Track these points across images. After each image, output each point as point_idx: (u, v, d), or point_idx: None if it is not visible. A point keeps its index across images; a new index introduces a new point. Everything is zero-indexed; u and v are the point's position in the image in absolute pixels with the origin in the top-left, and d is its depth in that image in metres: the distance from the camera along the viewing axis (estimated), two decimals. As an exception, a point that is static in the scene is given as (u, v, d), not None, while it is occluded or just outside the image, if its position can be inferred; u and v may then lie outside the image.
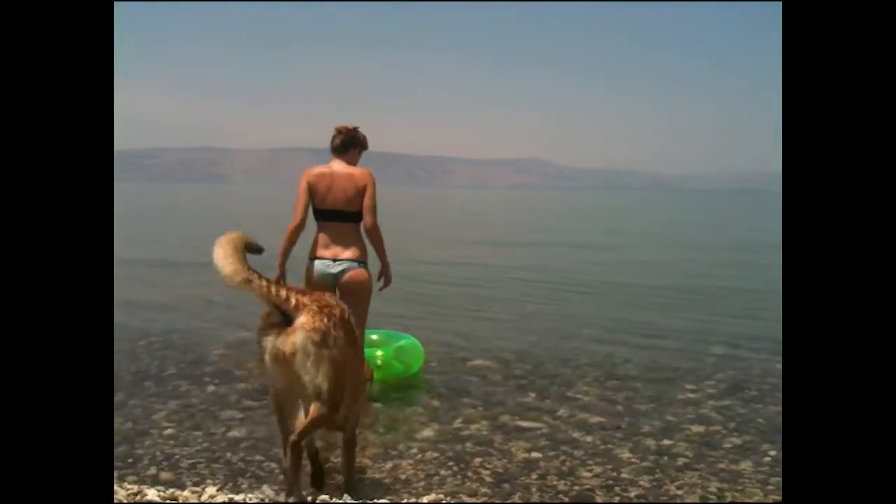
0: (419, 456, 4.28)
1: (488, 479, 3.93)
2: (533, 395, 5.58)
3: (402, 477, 3.96)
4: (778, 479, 3.94)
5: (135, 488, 3.59)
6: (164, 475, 3.87)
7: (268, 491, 3.56)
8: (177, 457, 4.15)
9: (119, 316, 5.89)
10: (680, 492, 3.77)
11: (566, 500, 3.55)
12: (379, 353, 5.64)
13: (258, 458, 4.14)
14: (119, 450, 4.13)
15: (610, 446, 4.46)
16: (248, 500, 3.50)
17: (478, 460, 4.20)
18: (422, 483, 3.82)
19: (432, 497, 3.65)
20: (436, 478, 3.92)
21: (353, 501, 3.49)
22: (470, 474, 3.99)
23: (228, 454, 4.20)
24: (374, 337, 5.82)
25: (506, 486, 3.81)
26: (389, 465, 4.14)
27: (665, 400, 5.46)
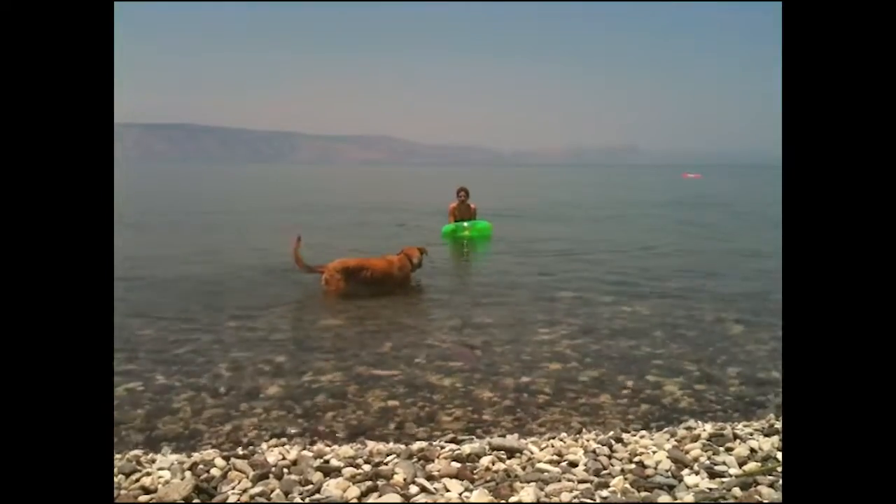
0: (263, 415, 3.83)
1: (342, 431, 3.58)
2: (389, 345, 5.29)
3: (244, 438, 3.51)
4: (636, 409, 3.95)
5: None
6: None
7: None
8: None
9: None
10: (542, 429, 3.65)
11: (424, 444, 3.27)
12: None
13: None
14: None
15: (470, 388, 4.27)
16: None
17: (330, 414, 3.83)
18: (265, 443, 3.39)
19: (273, 442, 3.26)
20: (283, 437, 3.50)
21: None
22: (322, 428, 3.61)
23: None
24: (465, 224, 12.46)
25: (361, 437, 3.48)
26: (228, 427, 3.67)
27: (522, 342, 5.39)
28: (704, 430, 3.35)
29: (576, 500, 2.53)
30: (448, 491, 2.60)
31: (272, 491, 2.60)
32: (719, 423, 3.53)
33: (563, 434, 3.43)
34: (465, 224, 12.32)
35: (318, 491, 2.60)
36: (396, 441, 3.35)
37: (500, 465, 2.87)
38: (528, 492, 2.55)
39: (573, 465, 2.91)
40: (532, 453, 3.04)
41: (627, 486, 2.66)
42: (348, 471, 2.77)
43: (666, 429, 3.49)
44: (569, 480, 2.71)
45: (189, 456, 3.06)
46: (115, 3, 2.21)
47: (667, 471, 2.83)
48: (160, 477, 2.75)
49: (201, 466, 2.86)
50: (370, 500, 2.52)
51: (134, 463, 2.93)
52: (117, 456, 3.03)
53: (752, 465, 2.87)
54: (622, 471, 2.83)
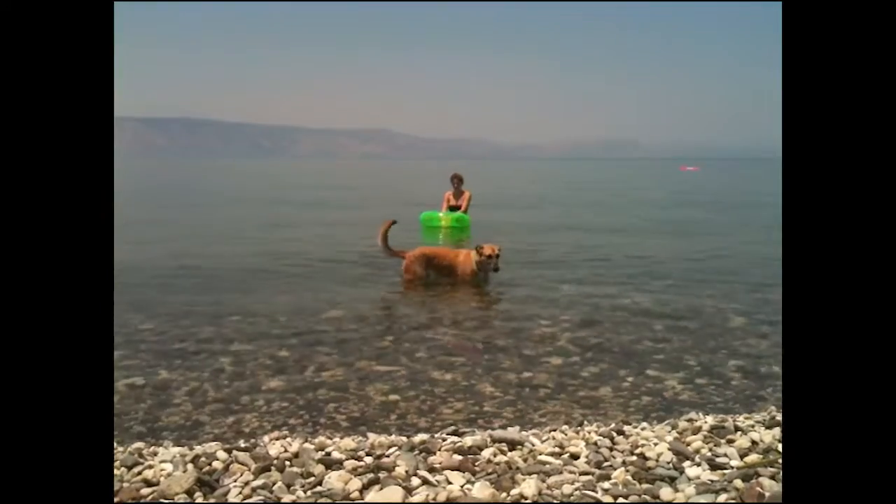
0: (265, 408, 3.84)
1: (344, 423, 3.58)
2: (390, 339, 5.29)
3: (246, 430, 3.51)
4: (637, 402, 3.95)
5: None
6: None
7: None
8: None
9: None
10: (544, 420, 3.65)
11: (426, 436, 3.28)
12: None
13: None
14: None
15: (472, 382, 4.27)
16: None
17: (332, 406, 3.84)
18: (267, 435, 3.39)
19: (275, 434, 3.26)
20: (284, 428, 3.51)
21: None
22: (323, 420, 3.62)
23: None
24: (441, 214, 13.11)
25: (363, 428, 3.48)
26: (230, 419, 3.67)
27: (523, 335, 5.39)
28: (706, 422, 3.35)
29: (577, 492, 2.53)
30: (450, 483, 2.60)
31: (274, 483, 2.60)
32: (720, 415, 3.53)
33: (565, 426, 3.43)
34: (441, 214, 12.74)
35: (319, 483, 2.60)
36: (398, 433, 3.36)
37: (501, 458, 2.87)
38: (529, 484, 2.55)
39: (575, 457, 2.91)
40: (533, 445, 3.04)
41: (629, 477, 2.66)
42: (350, 463, 2.78)
43: (667, 421, 3.49)
44: (570, 472, 2.71)
45: (191, 449, 3.06)
46: (115, 3, 2.21)
47: (668, 463, 2.83)
48: (162, 470, 2.76)
49: (203, 459, 2.86)
50: (372, 493, 2.53)
51: (136, 456, 2.93)
52: (119, 449, 3.04)
53: (753, 457, 2.86)
54: (624, 463, 2.83)
